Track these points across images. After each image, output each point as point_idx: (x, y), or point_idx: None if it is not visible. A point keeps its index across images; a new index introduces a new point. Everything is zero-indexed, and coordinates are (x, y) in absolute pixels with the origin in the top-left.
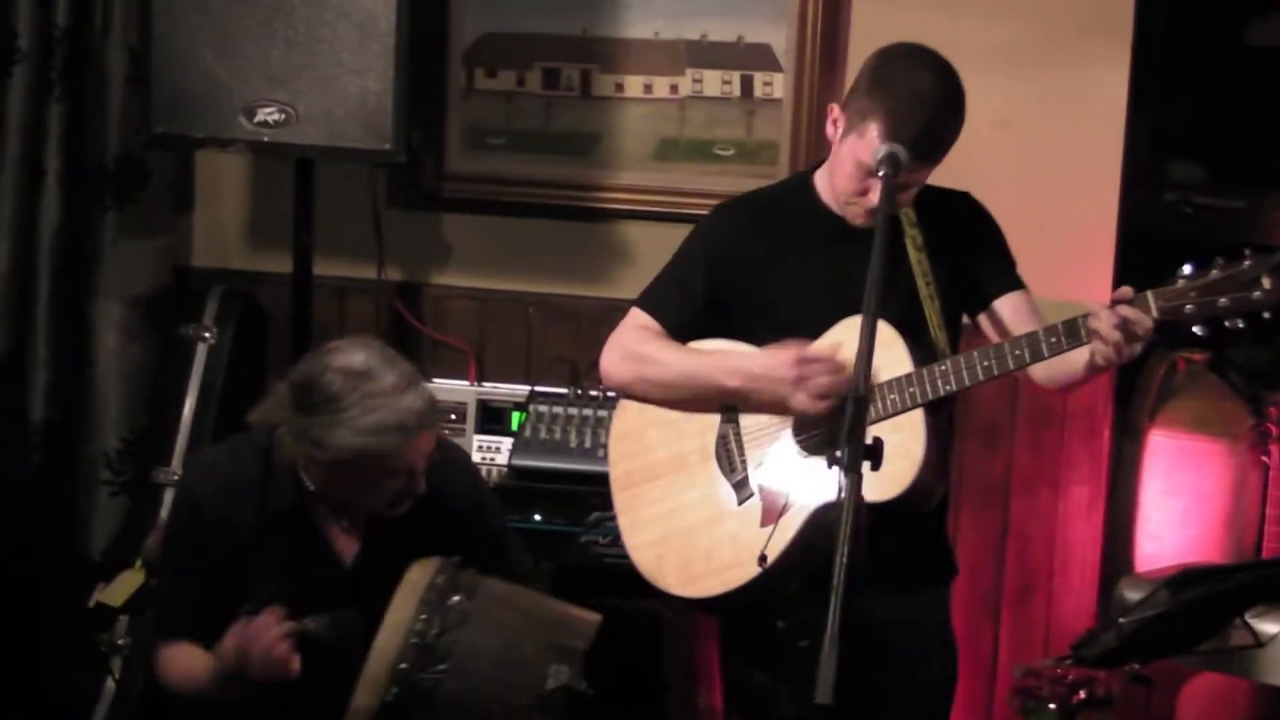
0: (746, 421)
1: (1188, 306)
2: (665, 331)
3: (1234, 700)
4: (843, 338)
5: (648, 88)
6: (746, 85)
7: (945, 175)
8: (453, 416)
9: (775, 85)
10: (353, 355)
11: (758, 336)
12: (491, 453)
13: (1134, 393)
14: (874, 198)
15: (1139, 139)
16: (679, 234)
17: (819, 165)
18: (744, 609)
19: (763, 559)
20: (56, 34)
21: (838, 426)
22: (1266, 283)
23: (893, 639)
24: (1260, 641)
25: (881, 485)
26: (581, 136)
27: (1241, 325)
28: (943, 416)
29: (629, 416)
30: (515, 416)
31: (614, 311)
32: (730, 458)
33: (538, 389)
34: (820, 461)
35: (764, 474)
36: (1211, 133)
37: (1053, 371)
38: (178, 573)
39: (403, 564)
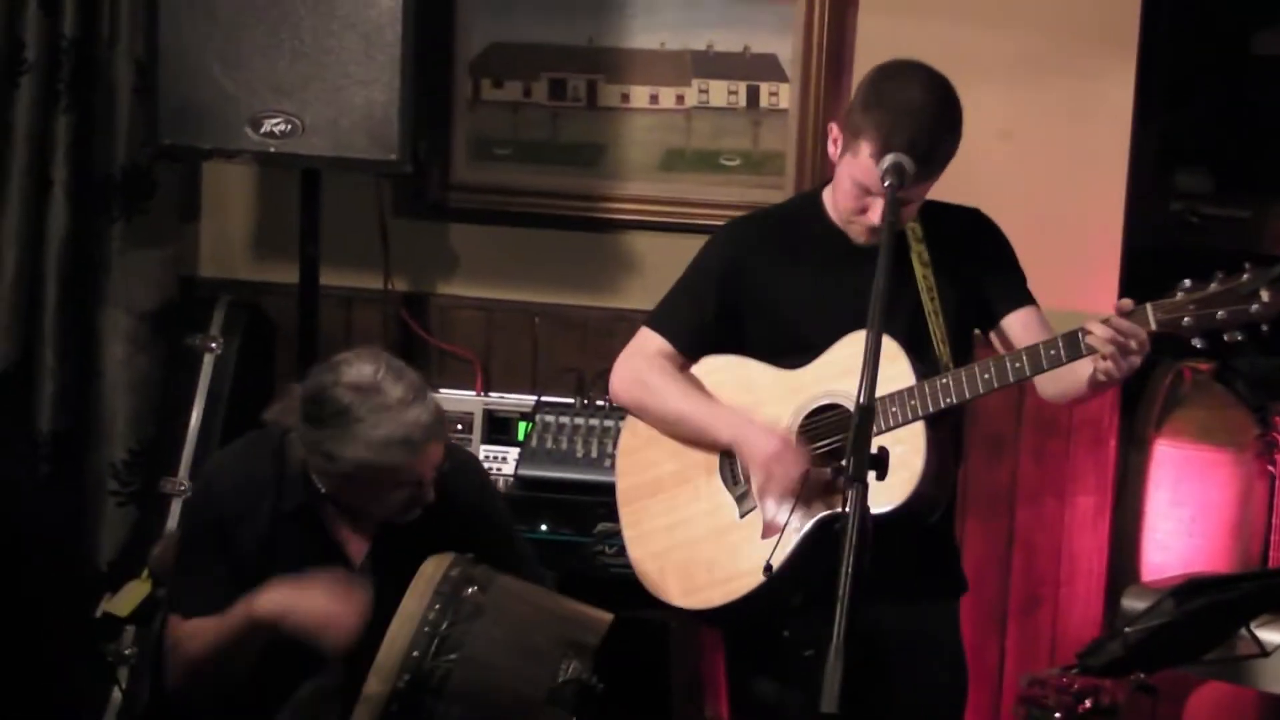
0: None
1: (1186, 319)
2: (676, 351)
3: (1240, 710)
4: (847, 352)
5: (654, 98)
6: (752, 96)
7: (950, 186)
8: (459, 427)
9: (781, 96)
10: (361, 368)
11: (768, 351)
12: (498, 463)
13: (1140, 402)
14: (873, 216)
15: (1145, 149)
16: (685, 244)
17: (828, 183)
18: (746, 620)
19: (768, 569)
20: (64, 45)
21: (841, 440)
22: (1265, 295)
23: (900, 651)
24: (1265, 651)
25: (881, 497)
26: (587, 147)
27: (1241, 338)
28: (945, 429)
29: (636, 432)
30: (521, 427)
31: (620, 322)
32: (734, 471)
33: (544, 399)
34: (823, 474)
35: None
36: (1218, 142)
37: (1061, 386)
38: (195, 555)
39: (412, 565)
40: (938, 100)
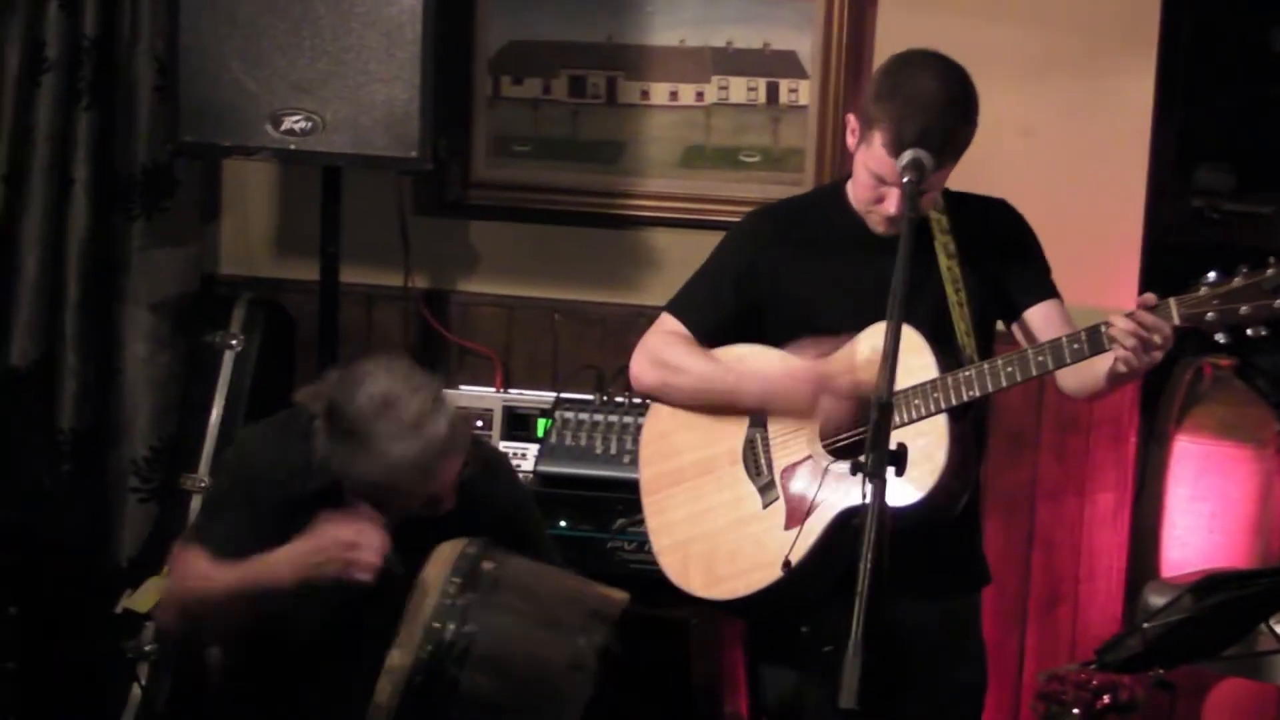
0: (774, 426)
1: (1209, 314)
2: (694, 337)
3: (1260, 706)
4: (869, 344)
5: (674, 95)
6: (772, 92)
7: (970, 183)
8: (479, 423)
9: (801, 92)
10: (376, 381)
11: (789, 341)
12: (517, 459)
13: (1160, 398)
14: (889, 206)
15: (1165, 146)
16: (705, 241)
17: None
18: (768, 612)
19: (787, 564)
20: (85, 44)
21: (863, 432)
22: None
23: (921, 646)
24: None
25: (903, 491)
26: (607, 144)
27: (1265, 333)
28: (968, 422)
29: (659, 420)
30: (541, 423)
31: (640, 318)
32: (757, 461)
33: (564, 396)
34: (846, 466)
35: (790, 478)
36: (1238, 139)
37: (1081, 380)
38: (225, 504)
39: (433, 549)
40: (951, 89)
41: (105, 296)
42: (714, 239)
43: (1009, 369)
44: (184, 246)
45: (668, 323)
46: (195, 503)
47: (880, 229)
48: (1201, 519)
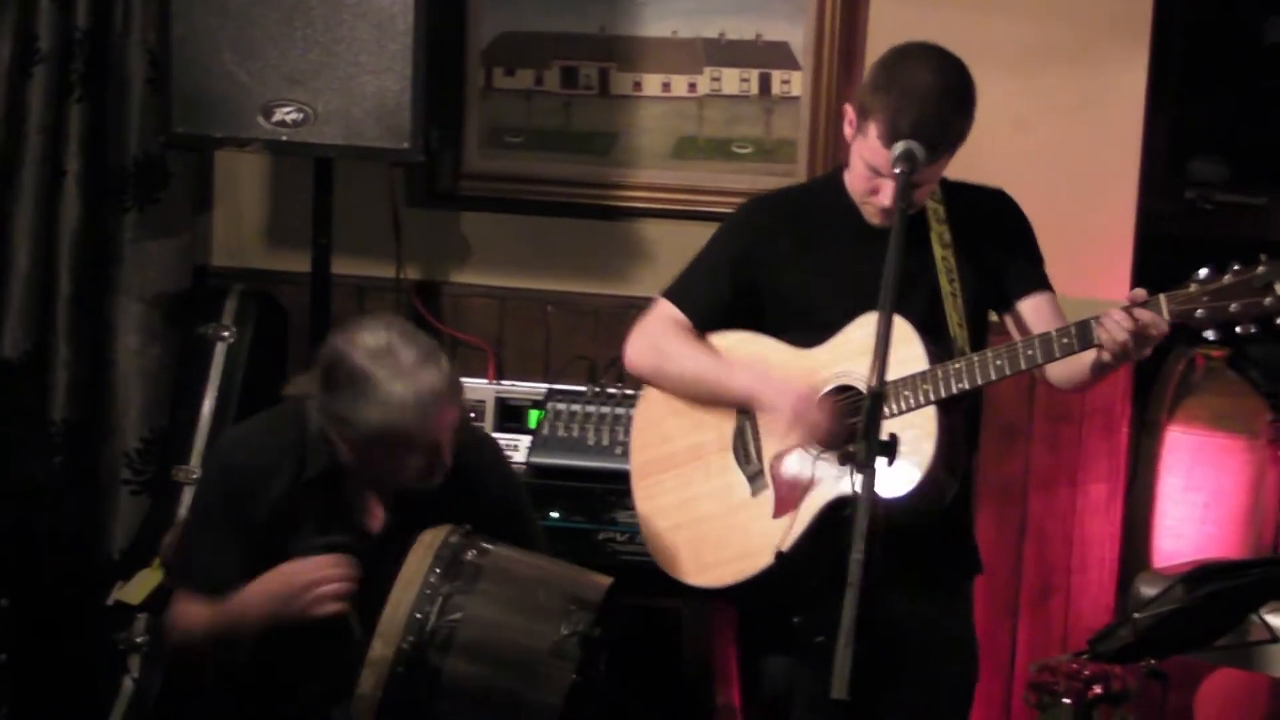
0: (764, 415)
1: (1199, 311)
2: (691, 324)
3: (1252, 697)
4: (862, 332)
5: (666, 86)
6: (764, 83)
7: (962, 175)
8: (472, 415)
9: (793, 83)
10: (374, 333)
11: (786, 329)
12: (510, 451)
13: (1152, 389)
14: (883, 198)
15: (1158, 137)
16: (697, 232)
17: None
18: (756, 600)
19: (779, 553)
20: (77, 36)
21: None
22: (1279, 289)
23: (911, 637)
24: (1277, 637)
25: (892, 482)
26: (600, 135)
27: (1254, 330)
28: (958, 414)
29: (651, 405)
30: (533, 415)
31: (632, 310)
32: (746, 449)
33: (556, 387)
34: (834, 456)
35: (779, 467)
36: (1231, 130)
37: (1069, 372)
38: (205, 531)
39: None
40: (946, 82)
41: (97, 288)
42: (707, 230)
43: (998, 362)
44: (176, 238)
45: (665, 308)
46: (187, 495)
47: (875, 220)
48: (1194, 509)
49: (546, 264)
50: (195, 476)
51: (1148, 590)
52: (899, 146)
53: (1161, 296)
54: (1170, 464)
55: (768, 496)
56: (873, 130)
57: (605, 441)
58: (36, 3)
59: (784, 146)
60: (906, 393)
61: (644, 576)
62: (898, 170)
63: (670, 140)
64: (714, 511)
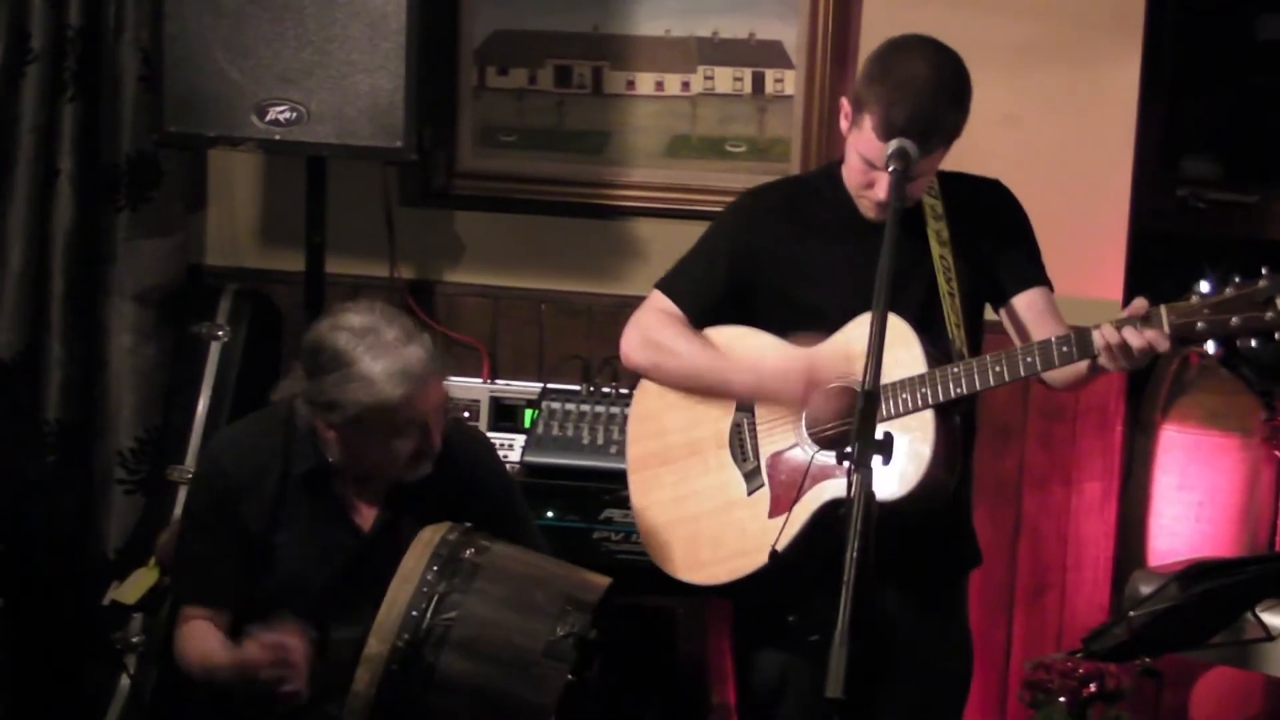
0: (760, 412)
1: (1200, 324)
2: (685, 316)
3: (1246, 695)
4: (860, 332)
5: (659, 85)
6: (758, 82)
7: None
8: (466, 414)
9: (786, 82)
10: (355, 315)
11: (780, 324)
12: (504, 450)
13: (1146, 387)
14: (879, 192)
15: (1151, 135)
16: (691, 231)
17: None
18: (750, 597)
19: (774, 552)
20: (69, 34)
21: (849, 421)
22: None
23: (906, 636)
24: (1271, 635)
25: (889, 485)
26: (593, 134)
27: (1255, 344)
28: (955, 417)
29: (649, 398)
30: (528, 414)
31: (626, 308)
32: (743, 446)
33: (550, 386)
34: (832, 455)
35: (775, 465)
36: (1224, 128)
37: (1063, 375)
38: (199, 537)
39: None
40: (942, 74)
41: (90, 288)
42: (700, 229)
43: (997, 368)
44: (169, 237)
45: (659, 300)
46: (181, 494)
47: (871, 214)
48: (1188, 508)
49: (540, 263)
50: (190, 475)
51: (1142, 588)
52: (892, 145)
53: (1163, 308)
54: (1165, 462)
55: (764, 495)
56: (868, 123)
57: (599, 440)
58: (29, 1)
59: (777, 145)
60: (904, 395)
61: (639, 575)
62: (891, 169)
63: (664, 139)
64: (710, 508)
